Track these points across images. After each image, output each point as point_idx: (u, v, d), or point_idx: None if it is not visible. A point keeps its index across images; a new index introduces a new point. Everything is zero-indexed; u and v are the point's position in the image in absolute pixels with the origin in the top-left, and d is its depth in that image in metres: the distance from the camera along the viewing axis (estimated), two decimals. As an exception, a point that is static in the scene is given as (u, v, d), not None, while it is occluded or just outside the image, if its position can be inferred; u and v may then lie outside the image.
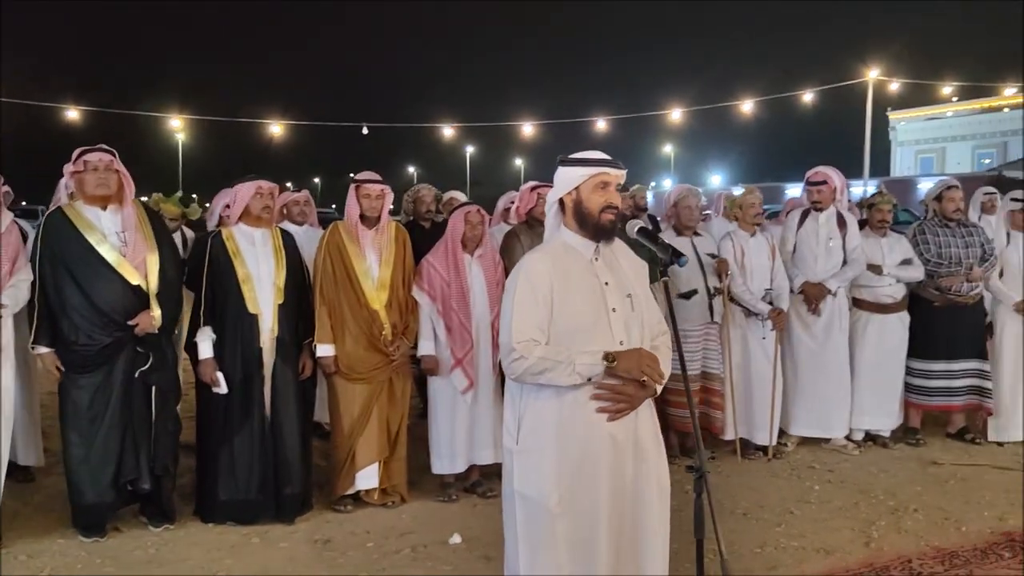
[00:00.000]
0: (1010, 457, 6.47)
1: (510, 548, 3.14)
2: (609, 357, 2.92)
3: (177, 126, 22.51)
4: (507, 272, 5.47)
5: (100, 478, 4.70)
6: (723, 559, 2.77)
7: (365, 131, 25.41)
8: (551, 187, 5.59)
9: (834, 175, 6.69)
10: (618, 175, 3.09)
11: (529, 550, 3.04)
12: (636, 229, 3.02)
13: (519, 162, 66.24)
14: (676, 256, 2.88)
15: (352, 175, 5.63)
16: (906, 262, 6.65)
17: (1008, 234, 6.87)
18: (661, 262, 2.89)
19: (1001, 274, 6.80)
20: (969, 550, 4.68)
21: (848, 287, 6.82)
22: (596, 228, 3.06)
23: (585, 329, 2.99)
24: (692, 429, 6.30)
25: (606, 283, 3.06)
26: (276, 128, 23.38)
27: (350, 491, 5.34)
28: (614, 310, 3.03)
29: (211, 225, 6.40)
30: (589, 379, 2.94)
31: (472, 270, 5.43)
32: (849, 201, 9.27)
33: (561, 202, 3.13)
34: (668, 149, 61.27)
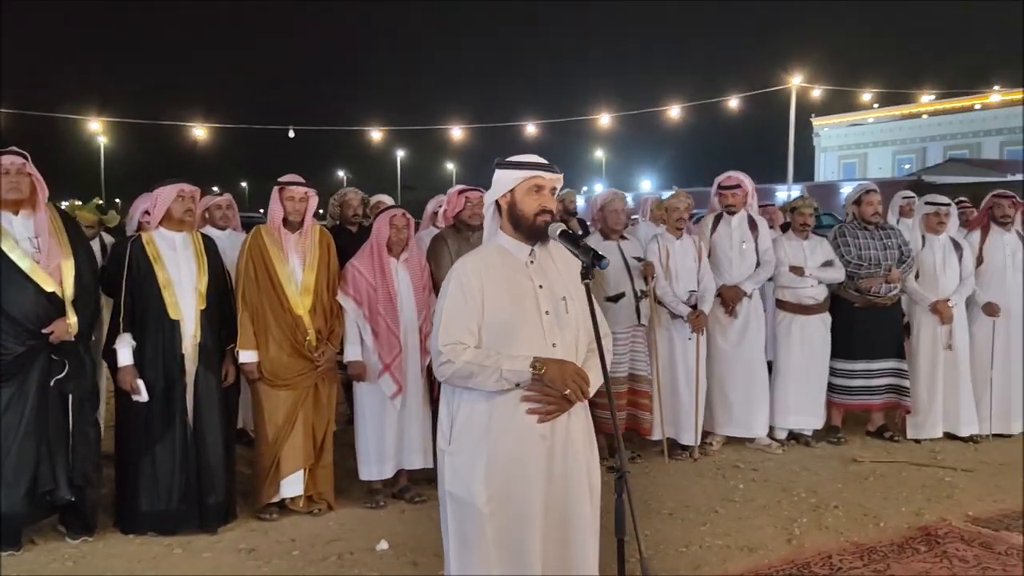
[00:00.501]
0: (927, 454, 6.65)
1: (445, 549, 3.15)
2: (537, 365, 2.92)
3: (97, 129, 21.95)
4: (433, 276, 5.48)
5: (15, 490, 4.55)
6: (643, 558, 2.79)
7: (292, 134, 25.09)
8: (479, 191, 5.64)
9: (745, 179, 6.84)
10: (553, 179, 3.10)
11: (459, 550, 3.05)
12: (557, 232, 3.03)
13: (451, 166, 66.14)
14: (597, 259, 2.89)
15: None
16: (827, 264, 6.80)
17: (923, 237, 7.05)
18: (582, 264, 2.90)
19: (917, 276, 6.98)
20: (887, 545, 4.78)
21: (772, 289, 6.98)
22: (530, 231, 3.06)
23: (517, 331, 2.99)
24: (642, 427, 6.36)
25: (540, 286, 3.07)
26: (200, 131, 22.98)
27: (275, 499, 5.27)
28: (547, 313, 3.04)
29: (131, 230, 6.26)
30: (517, 384, 2.94)
31: (399, 274, 5.40)
32: (772, 205, 9.50)
33: (497, 204, 3.13)
34: (599, 154, 61.73)
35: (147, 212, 5.78)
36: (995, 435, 6.99)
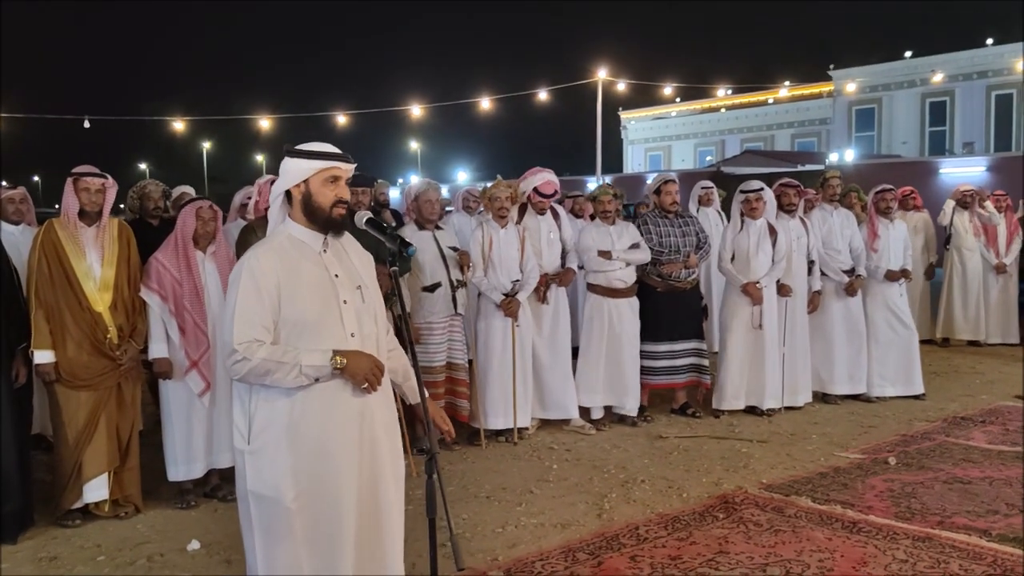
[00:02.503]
0: (725, 427, 7.06)
1: (248, 548, 3.08)
2: (337, 359, 2.91)
3: None
4: None
5: None
6: (452, 536, 2.85)
7: (87, 124, 23.78)
8: None
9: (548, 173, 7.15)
10: (348, 169, 3.08)
11: (266, 548, 3.00)
12: (364, 220, 3.04)
13: (259, 158, 64.21)
14: (404, 245, 2.93)
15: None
16: (634, 246, 7.08)
17: (742, 222, 7.44)
18: (389, 251, 2.93)
19: (733, 258, 7.38)
20: (689, 514, 5.06)
21: (583, 275, 7.27)
22: (327, 222, 3.04)
23: (316, 322, 2.97)
24: (460, 414, 6.41)
25: (336, 275, 3.05)
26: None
27: (78, 504, 5.04)
28: (345, 302, 3.02)
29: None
30: (316, 379, 2.92)
31: (205, 268, 5.26)
32: (581, 196, 9.83)
33: (288, 194, 3.08)
34: (414, 145, 61.59)
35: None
36: (787, 408, 7.48)
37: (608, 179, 26.56)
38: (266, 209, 5.56)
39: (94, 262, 5.02)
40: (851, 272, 7.78)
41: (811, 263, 7.65)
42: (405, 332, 3.03)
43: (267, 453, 2.97)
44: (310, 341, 2.94)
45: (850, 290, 7.73)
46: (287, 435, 2.96)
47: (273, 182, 5.52)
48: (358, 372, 2.94)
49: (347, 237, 3.14)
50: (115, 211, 5.28)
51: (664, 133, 52.59)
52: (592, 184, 23.67)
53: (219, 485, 5.47)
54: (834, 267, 7.74)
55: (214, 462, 5.36)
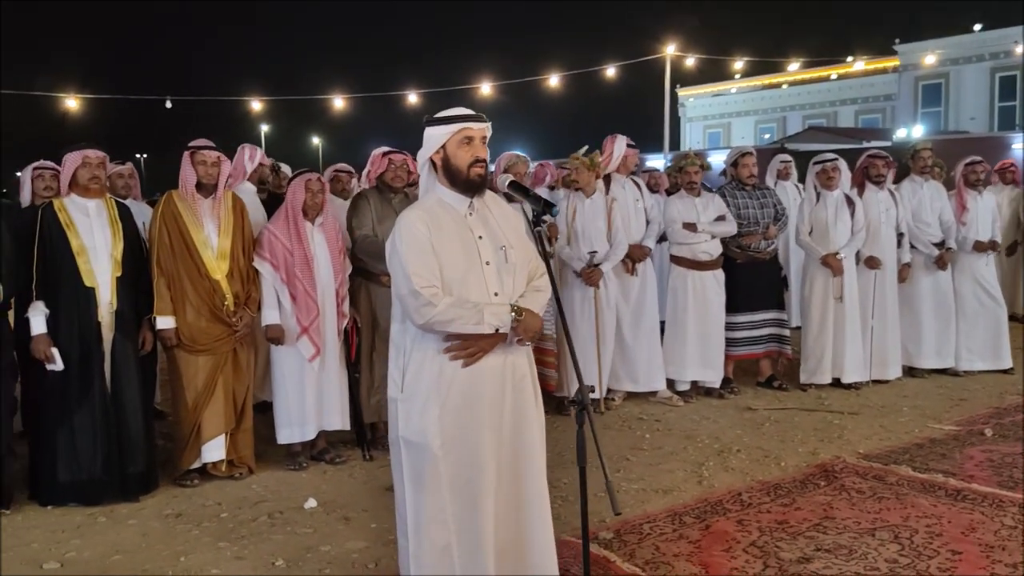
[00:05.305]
0: (814, 400, 7.07)
1: (398, 493, 3.25)
2: (518, 310, 3.09)
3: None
4: (352, 231, 5.58)
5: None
6: (608, 480, 2.96)
7: (169, 104, 24.32)
8: (403, 154, 5.75)
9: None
10: (481, 128, 3.18)
11: (414, 493, 3.15)
12: (507, 183, 3.15)
13: (315, 140, 64.54)
14: (548, 206, 3.03)
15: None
16: (720, 218, 7.10)
17: (818, 194, 7.44)
18: (533, 212, 3.03)
19: (811, 231, 7.38)
20: (790, 482, 5.12)
21: (666, 247, 7.33)
22: (466, 183, 3.16)
23: (461, 280, 3.10)
24: (548, 384, 6.52)
25: (480, 237, 3.17)
26: (72, 102, 22.02)
27: (196, 464, 5.25)
28: (488, 263, 3.15)
29: (25, 200, 6.09)
30: (497, 329, 3.07)
31: (314, 238, 5.43)
32: (657, 171, 9.85)
33: (432, 162, 3.21)
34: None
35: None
36: (874, 381, 7.48)
37: (669, 157, 26.41)
38: (377, 178, 5.83)
39: (211, 232, 5.21)
40: (941, 245, 7.71)
41: (900, 236, 7.61)
42: (552, 291, 3.16)
43: (417, 401, 3.13)
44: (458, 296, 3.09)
45: (940, 263, 7.67)
46: (436, 384, 3.11)
47: (386, 155, 5.78)
48: (531, 327, 3.11)
49: (493, 199, 3.27)
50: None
51: (723, 110, 51.98)
52: (654, 162, 23.54)
53: (326, 448, 5.66)
54: (924, 240, 7.68)
55: (324, 424, 5.54)
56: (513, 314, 3.07)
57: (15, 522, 4.69)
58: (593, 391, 3.06)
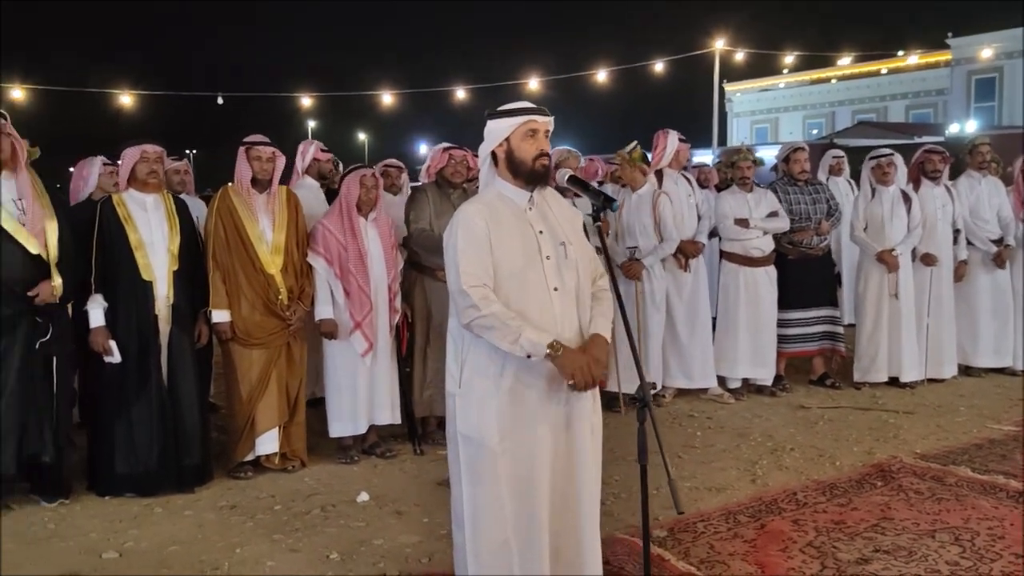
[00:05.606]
0: (868, 399, 6.97)
1: (455, 489, 3.25)
2: (556, 346, 2.99)
3: (19, 97, 21.14)
4: (408, 224, 5.65)
5: (3, 452, 4.51)
6: (671, 479, 2.95)
7: (220, 100, 24.63)
8: (463, 150, 5.78)
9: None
10: (545, 121, 3.17)
11: (472, 488, 3.15)
12: (566, 177, 3.13)
13: (361, 136, 64.84)
14: (608, 201, 3.01)
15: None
16: (772, 215, 7.02)
17: (873, 189, 7.33)
18: (593, 207, 3.01)
19: (866, 227, 7.27)
20: (846, 482, 5.04)
21: (718, 243, 7.26)
22: (531, 175, 3.14)
23: (520, 274, 3.08)
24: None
25: (540, 232, 3.15)
26: (126, 98, 22.39)
27: (249, 457, 5.30)
28: (548, 258, 3.13)
29: (83, 195, 6.18)
30: (528, 356, 3.00)
31: (368, 233, 5.45)
32: (707, 167, 9.76)
33: (493, 155, 3.20)
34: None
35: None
36: (929, 380, 7.35)
37: (717, 152, 26.19)
38: (437, 173, 5.85)
39: (266, 227, 5.25)
40: (999, 242, 7.55)
41: (956, 232, 7.47)
42: (612, 287, 3.13)
43: (475, 396, 3.12)
44: (516, 292, 3.06)
45: (998, 260, 7.51)
46: (496, 381, 3.10)
47: (447, 149, 5.80)
48: (568, 366, 3.00)
49: (553, 195, 3.25)
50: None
51: (771, 105, 51.48)
52: (702, 157, 23.37)
53: (377, 443, 5.68)
54: (981, 236, 7.53)
55: (375, 418, 5.56)
56: (553, 346, 2.98)
57: (74, 511, 4.76)
58: (654, 387, 3.02)
